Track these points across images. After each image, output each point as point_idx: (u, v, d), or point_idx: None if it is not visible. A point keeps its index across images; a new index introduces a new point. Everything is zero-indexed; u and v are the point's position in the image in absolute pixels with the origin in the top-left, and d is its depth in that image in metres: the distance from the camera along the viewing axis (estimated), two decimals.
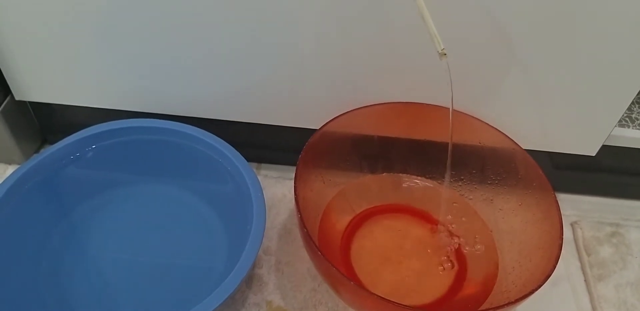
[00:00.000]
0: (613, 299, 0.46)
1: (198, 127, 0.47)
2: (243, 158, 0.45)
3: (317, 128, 0.44)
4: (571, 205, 0.53)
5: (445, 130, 0.43)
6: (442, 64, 0.37)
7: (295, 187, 0.39)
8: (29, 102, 0.51)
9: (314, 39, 0.41)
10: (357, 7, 0.39)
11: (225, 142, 0.46)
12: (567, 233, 0.50)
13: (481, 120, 0.45)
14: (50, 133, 0.55)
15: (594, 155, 0.48)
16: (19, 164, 0.53)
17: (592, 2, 0.37)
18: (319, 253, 0.35)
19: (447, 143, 0.42)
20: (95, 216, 0.47)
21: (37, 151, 0.55)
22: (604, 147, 0.47)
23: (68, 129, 0.47)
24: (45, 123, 0.54)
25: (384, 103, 0.45)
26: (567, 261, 0.48)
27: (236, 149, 0.45)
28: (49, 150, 0.45)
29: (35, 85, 0.48)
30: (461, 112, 0.45)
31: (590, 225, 0.51)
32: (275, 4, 0.39)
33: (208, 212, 0.47)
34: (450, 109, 0.40)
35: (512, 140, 0.44)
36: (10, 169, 0.52)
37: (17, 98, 0.49)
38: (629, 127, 0.49)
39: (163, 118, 0.47)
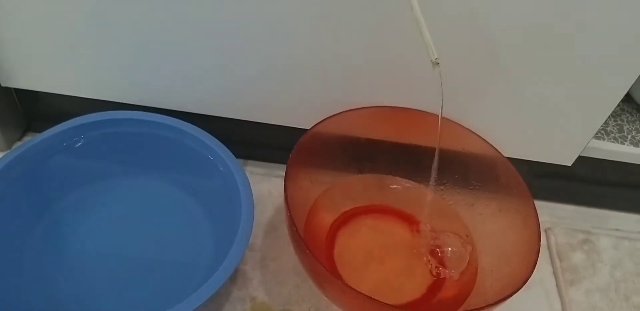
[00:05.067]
0: (583, 303, 0.48)
1: (186, 121, 0.47)
2: (232, 154, 0.45)
3: (305, 127, 0.45)
4: (546, 211, 0.55)
5: (431, 135, 0.44)
6: (433, 71, 0.38)
7: (285, 186, 0.40)
8: (14, 88, 0.50)
9: (308, 41, 0.42)
10: (354, 11, 0.40)
11: (214, 138, 0.46)
12: (541, 238, 0.52)
13: (466, 128, 0.46)
14: (34, 121, 0.54)
15: (570, 165, 0.50)
16: (1, 151, 0.52)
17: (575, 22, 0.39)
18: (308, 251, 0.36)
19: (432, 148, 0.43)
20: (80, 208, 0.47)
21: (20, 139, 0.54)
22: (580, 158, 0.49)
23: (53, 118, 0.47)
24: (30, 110, 0.53)
25: (373, 106, 0.46)
26: (541, 266, 0.50)
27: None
28: (35, 138, 0.44)
29: (22, 73, 0.47)
30: (447, 119, 0.46)
31: (563, 232, 0.53)
32: (272, 3, 0.40)
33: (195, 207, 0.48)
34: (440, 116, 0.41)
35: (495, 148, 0.45)
36: None
37: (2, 84, 0.48)
38: (604, 139, 0.51)
39: (150, 111, 0.47)
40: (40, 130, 0.45)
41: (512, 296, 0.36)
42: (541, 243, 0.40)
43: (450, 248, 0.45)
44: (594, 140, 0.49)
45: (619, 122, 0.52)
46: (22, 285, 0.41)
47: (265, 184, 0.52)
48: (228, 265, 0.38)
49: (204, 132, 0.46)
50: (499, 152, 0.45)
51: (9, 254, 0.42)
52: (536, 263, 0.38)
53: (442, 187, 0.49)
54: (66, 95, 0.49)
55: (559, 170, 0.51)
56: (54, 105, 0.52)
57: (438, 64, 0.37)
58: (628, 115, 0.53)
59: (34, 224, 0.44)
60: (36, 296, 0.41)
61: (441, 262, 0.45)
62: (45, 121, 0.47)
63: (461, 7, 0.39)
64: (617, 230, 0.55)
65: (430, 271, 0.45)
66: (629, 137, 0.51)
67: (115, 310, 0.41)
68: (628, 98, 0.54)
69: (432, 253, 0.46)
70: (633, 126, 0.52)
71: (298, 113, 0.48)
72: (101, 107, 0.47)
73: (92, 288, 0.42)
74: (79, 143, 0.46)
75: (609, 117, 0.46)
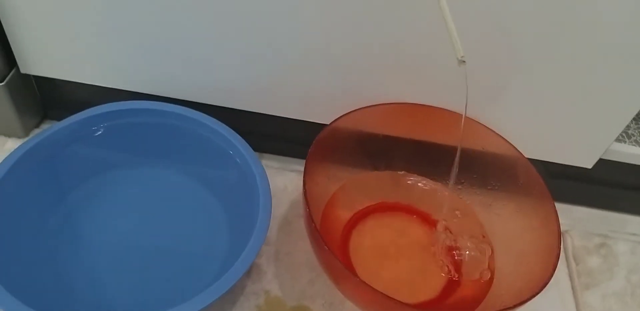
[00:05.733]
0: (598, 308, 0.47)
1: (204, 113, 0.47)
2: (250, 147, 0.45)
3: (323, 122, 0.44)
4: (563, 214, 0.53)
5: (451, 133, 0.43)
6: (457, 69, 0.37)
7: (304, 181, 0.39)
8: (34, 76, 0.50)
9: (331, 35, 0.42)
10: (380, 6, 0.39)
11: (232, 131, 0.46)
12: None
13: (486, 127, 0.46)
14: (51, 108, 0.55)
15: (590, 167, 0.49)
16: (18, 137, 0.52)
17: (601, 22, 0.38)
18: (325, 247, 0.36)
19: (451, 146, 0.43)
20: (97, 198, 0.47)
21: (37, 126, 0.54)
22: (600, 161, 0.49)
23: (70, 106, 0.47)
24: (48, 98, 0.53)
25: (393, 103, 0.46)
26: (557, 268, 0.49)
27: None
28: (55, 126, 0.44)
29: (42, 60, 0.47)
30: (468, 117, 0.45)
31: (580, 235, 0.53)
32: None
33: (211, 199, 0.47)
34: (463, 115, 0.41)
35: (516, 148, 0.45)
36: (9, 142, 0.52)
37: (22, 71, 0.48)
38: (625, 142, 0.50)
39: (168, 102, 0.47)
40: (58, 118, 0.45)
41: None
42: None
43: (467, 252, 0.45)
44: (615, 143, 0.49)
45: None
46: (37, 271, 0.41)
47: (281, 178, 0.52)
48: (245, 258, 0.38)
49: (222, 124, 0.46)
50: (519, 152, 0.45)
51: (25, 242, 0.42)
52: (555, 267, 0.37)
53: (460, 186, 0.49)
54: (85, 84, 0.49)
55: (577, 172, 0.50)
56: (72, 93, 0.52)
57: (464, 61, 0.37)
58: None
59: (51, 212, 0.44)
60: (50, 284, 0.41)
61: (457, 264, 0.45)
62: (63, 109, 0.47)
63: (488, 5, 0.38)
64: (634, 234, 0.54)
65: (446, 273, 0.44)
66: None
67: (129, 301, 0.41)
68: None
69: (448, 254, 0.45)
70: None
71: (317, 107, 0.47)
72: (119, 97, 0.47)
73: (107, 277, 0.42)
74: (98, 133, 0.46)
75: (630, 120, 0.46)
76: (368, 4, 0.39)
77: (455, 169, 0.43)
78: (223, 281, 0.36)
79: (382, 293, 0.34)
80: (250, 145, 0.45)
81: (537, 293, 0.35)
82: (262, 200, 0.41)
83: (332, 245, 0.44)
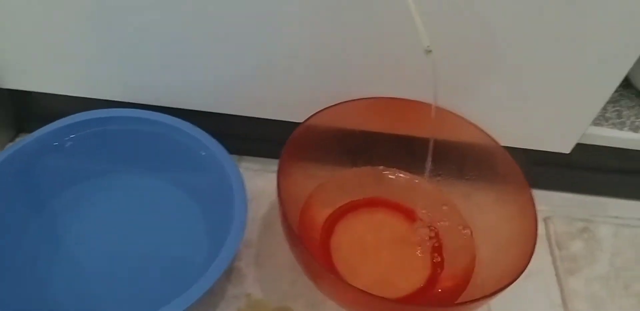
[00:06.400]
0: (583, 292, 0.47)
1: (179, 118, 0.46)
2: (224, 149, 0.45)
3: (300, 121, 0.44)
4: (544, 200, 0.54)
5: (427, 126, 0.43)
6: (426, 60, 0.37)
7: (278, 180, 0.39)
8: (7, 89, 0.50)
9: (299, 33, 0.42)
10: (345, 1, 0.39)
11: (206, 134, 0.46)
12: (540, 228, 0.50)
13: (461, 117, 0.45)
14: (26, 121, 0.54)
15: (568, 152, 0.49)
16: None
17: (573, 6, 0.38)
18: (300, 245, 0.36)
19: (428, 139, 0.43)
20: (74, 207, 0.46)
21: (12, 140, 0.54)
22: (578, 145, 0.49)
23: (47, 118, 0.47)
24: (23, 111, 0.53)
25: (368, 98, 0.46)
26: (540, 255, 0.49)
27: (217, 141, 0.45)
28: (26, 139, 0.44)
29: (14, 72, 0.47)
30: (442, 109, 0.45)
31: (561, 221, 0.52)
32: None
33: (188, 204, 0.47)
34: (433, 105, 0.40)
35: (492, 138, 0.45)
36: None
37: None
38: (602, 125, 0.50)
39: (143, 109, 0.47)
40: (33, 131, 0.45)
41: (512, 287, 0.35)
42: (540, 232, 0.40)
43: (448, 239, 0.44)
44: (592, 127, 0.49)
45: (618, 108, 0.52)
46: (17, 282, 0.41)
47: (261, 180, 0.52)
48: (221, 261, 0.37)
49: (195, 127, 0.46)
50: (495, 141, 0.44)
51: (3, 252, 0.42)
52: (532, 254, 0.37)
53: (438, 178, 0.48)
54: (60, 95, 0.49)
55: (556, 157, 0.50)
56: (47, 105, 0.51)
57: (431, 51, 0.36)
58: (627, 100, 0.52)
59: (28, 223, 0.44)
60: (30, 293, 0.41)
61: (439, 253, 0.45)
62: (39, 122, 0.47)
63: None
64: (616, 217, 0.54)
65: (429, 263, 0.44)
66: (628, 122, 0.50)
67: (109, 307, 0.41)
68: (627, 84, 0.53)
69: (430, 245, 0.45)
70: (632, 111, 0.51)
71: (292, 106, 0.47)
72: (95, 106, 0.47)
73: (86, 285, 0.42)
74: (70, 143, 0.45)
75: (607, 102, 0.45)
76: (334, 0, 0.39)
77: (429, 160, 0.42)
78: (197, 287, 0.35)
79: (360, 289, 0.34)
80: (229, 148, 0.45)
81: (514, 281, 0.35)
82: (237, 202, 0.41)
83: (312, 244, 0.44)
